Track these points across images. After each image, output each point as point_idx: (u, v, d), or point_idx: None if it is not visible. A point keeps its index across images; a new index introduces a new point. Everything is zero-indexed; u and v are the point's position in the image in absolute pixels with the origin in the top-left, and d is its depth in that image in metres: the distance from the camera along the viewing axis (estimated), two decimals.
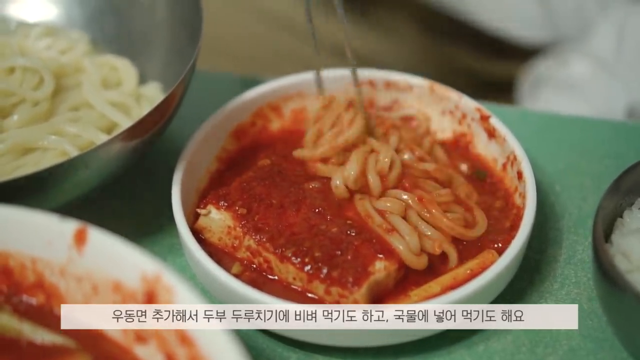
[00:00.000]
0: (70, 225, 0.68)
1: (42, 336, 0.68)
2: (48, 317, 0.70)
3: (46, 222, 0.69)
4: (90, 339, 0.68)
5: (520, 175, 0.86)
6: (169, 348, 0.65)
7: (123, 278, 0.67)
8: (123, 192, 0.94)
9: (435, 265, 0.82)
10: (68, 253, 0.68)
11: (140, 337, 0.67)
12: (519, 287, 0.85)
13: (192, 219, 0.86)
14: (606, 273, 0.75)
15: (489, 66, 1.37)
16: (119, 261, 0.67)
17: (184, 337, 0.64)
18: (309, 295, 0.80)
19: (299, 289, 0.80)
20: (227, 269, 0.80)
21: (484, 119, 0.91)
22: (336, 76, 0.96)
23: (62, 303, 0.70)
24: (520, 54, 1.35)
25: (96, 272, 0.68)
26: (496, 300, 0.81)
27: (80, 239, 0.68)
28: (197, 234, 0.84)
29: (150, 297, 0.66)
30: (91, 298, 0.69)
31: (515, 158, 0.87)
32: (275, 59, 1.36)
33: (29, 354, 0.67)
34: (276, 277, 0.81)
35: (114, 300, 0.68)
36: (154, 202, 0.92)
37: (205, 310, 0.62)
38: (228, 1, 1.34)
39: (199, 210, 0.84)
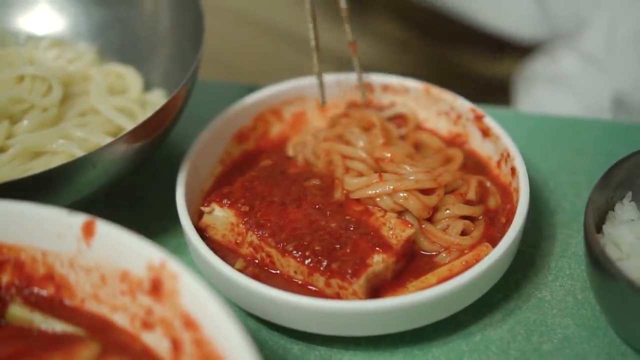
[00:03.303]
0: (78, 219, 0.71)
1: (52, 325, 0.71)
2: (58, 308, 0.72)
3: (56, 216, 0.71)
4: (99, 328, 0.71)
5: (513, 171, 0.89)
6: (175, 333, 0.68)
7: (130, 267, 0.70)
8: (129, 195, 0.97)
9: (433, 260, 0.85)
10: (77, 245, 0.71)
11: (147, 324, 0.70)
12: (515, 279, 0.87)
13: (197, 219, 0.88)
14: (598, 261, 0.78)
15: (485, 67, 1.40)
16: (126, 251, 0.70)
17: (188, 322, 0.66)
18: (310, 287, 0.82)
19: (300, 282, 0.83)
20: (231, 265, 0.83)
21: (478, 118, 0.94)
22: (335, 81, 0.99)
23: (71, 294, 0.72)
24: (517, 53, 1.38)
25: (104, 263, 0.71)
26: (492, 291, 0.84)
27: (88, 231, 0.71)
28: (201, 232, 0.87)
29: (156, 285, 0.68)
30: (99, 288, 0.71)
31: (508, 155, 0.90)
32: (271, 69, 1.39)
33: (40, 342, 0.69)
34: (278, 272, 0.84)
35: (121, 289, 0.70)
36: (160, 205, 0.95)
37: (208, 295, 0.65)
38: (224, 13, 1.37)
39: (202, 208, 0.87)
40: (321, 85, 0.95)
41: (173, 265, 0.67)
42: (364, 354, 0.82)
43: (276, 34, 1.41)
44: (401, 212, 0.85)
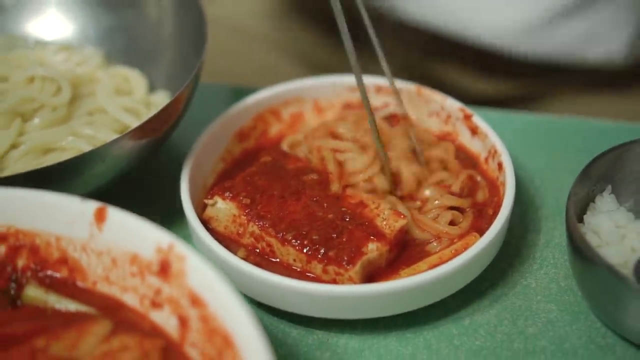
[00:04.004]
0: (91, 205, 0.75)
1: (66, 305, 0.76)
2: (71, 289, 0.77)
3: (69, 203, 0.76)
4: (110, 307, 0.76)
5: (500, 166, 0.94)
6: (182, 311, 0.72)
7: (139, 250, 0.74)
8: (135, 190, 1.01)
9: (424, 250, 0.90)
10: (89, 230, 0.76)
11: (156, 303, 0.74)
12: (501, 268, 0.92)
13: (200, 212, 0.93)
14: (579, 248, 0.82)
15: (477, 84, 1.45)
16: (136, 235, 0.74)
17: (195, 300, 0.71)
18: (308, 274, 0.87)
19: (299, 270, 0.87)
20: (233, 254, 0.87)
21: (467, 117, 0.99)
22: (330, 82, 1.04)
23: (84, 276, 0.77)
24: (509, 71, 1.43)
25: (115, 247, 0.75)
26: (480, 279, 0.89)
27: (100, 217, 0.75)
28: (205, 225, 0.91)
29: (164, 266, 0.73)
30: (110, 270, 0.76)
31: (495, 151, 0.95)
32: (256, 74, 1.44)
33: (55, 320, 0.74)
34: (278, 260, 0.88)
35: (131, 271, 0.75)
36: (164, 199, 0.99)
37: (213, 275, 0.69)
38: (217, 24, 1.43)
39: (206, 201, 0.91)
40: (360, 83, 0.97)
41: (180, 248, 0.72)
42: (360, 337, 0.86)
43: (265, 42, 1.47)
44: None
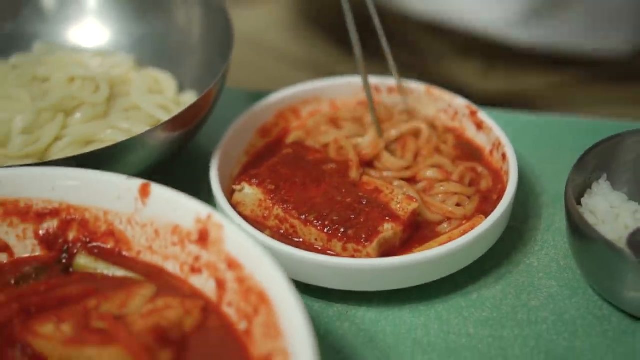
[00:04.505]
0: (136, 182, 0.84)
1: (113, 272, 0.84)
2: (118, 258, 0.85)
3: (116, 180, 0.84)
4: (153, 274, 0.84)
5: (504, 157, 1.02)
6: (219, 274, 0.80)
7: (180, 221, 0.82)
8: (166, 183, 1.09)
9: (435, 230, 0.98)
10: (134, 205, 0.84)
11: (195, 269, 0.82)
12: (505, 249, 1.00)
13: (228, 199, 1.01)
14: (577, 225, 0.90)
15: (480, 83, 1.52)
16: (177, 208, 0.82)
17: (231, 263, 0.79)
18: (329, 252, 0.95)
19: (320, 248, 0.95)
20: None
21: (473, 114, 1.08)
22: (346, 82, 1.13)
23: (129, 247, 0.85)
24: (512, 65, 1.51)
25: (158, 219, 0.84)
26: (486, 259, 0.97)
27: (144, 192, 0.83)
28: (233, 209, 0.99)
29: (203, 235, 0.81)
30: (154, 241, 0.84)
31: (499, 143, 1.03)
32: (271, 83, 1.53)
33: (104, 284, 0.82)
34: (301, 240, 0.96)
35: (173, 240, 0.83)
36: (193, 188, 1.07)
37: (248, 240, 0.78)
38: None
39: (234, 187, 1.00)
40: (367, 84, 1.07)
41: (218, 217, 0.80)
42: (376, 310, 0.94)
43: (280, 53, 1.56)
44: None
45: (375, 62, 1.23)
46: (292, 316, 0.71)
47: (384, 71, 1.12)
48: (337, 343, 0.91)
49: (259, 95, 1.14)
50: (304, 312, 0.71)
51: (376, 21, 1.04)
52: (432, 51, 1.51)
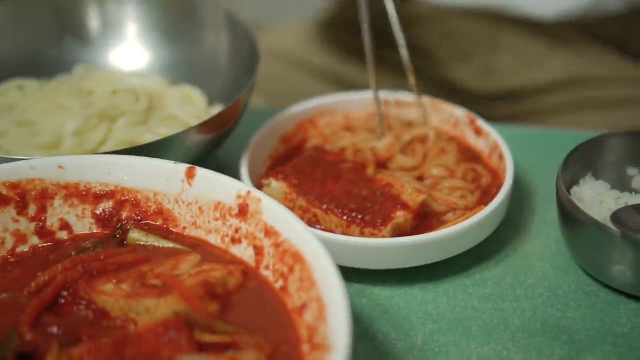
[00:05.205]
0: (183, 166, 0.96)
1: (163, 244, 0.95)
2: (166, 234, 0.97)
3: (165, 165, 0.96)
4: (198, 246, 0.95)
5: (501, 157, 1.15)
6: (257, 242, 0.92)
7: (223, 198, 0.94)
8: None
9: (442, 219, 1.10)
10: (181, 186, 0.96)
11: (235, 240, 0.94)
12: (503, 238, 1.12)
13: None
14: (567, 210, 1.03)
15: (480, 83, 1.65)
16: (219, 186, 0.94)
17: (268, 232, 0.91)
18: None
19: (340, 234, 1.07)
20: None
21: (472, 122, 1.21)
22: (358, 97, 1.26)
23: (175, 223, 0.97)
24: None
25: (202, 197, 0.95)
26: (486, 245, 1.09)
27: (190, 174, 0.96)
28: None
29: (243, 209, 0.93)
30: (198, 217, 0.96)
31: (497, 146, 1.16)
32: (292, 93, 1.65)
33: (155, 254, 0.93)
34: (322, 227, 1.08)
35: (215, 216, 0.95)
36: None
37: (284, 210, 0.90)
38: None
39: (262, 181, 1.12)
40: (377, 98, 1.21)
41: (256, 192, 0.92)
42: (390, 288, 1.06)
43: (302, 66, 1.70)
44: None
45: (394, 73, 1.36)
46: (324, 268, 0.82)
47: (399, 80, 1.25)
48: (357, 316, 1.02)
49: (279, 110, 1.27)
50: (334, 264, 0.82)
51: (399, 36, 1.18)
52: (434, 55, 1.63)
